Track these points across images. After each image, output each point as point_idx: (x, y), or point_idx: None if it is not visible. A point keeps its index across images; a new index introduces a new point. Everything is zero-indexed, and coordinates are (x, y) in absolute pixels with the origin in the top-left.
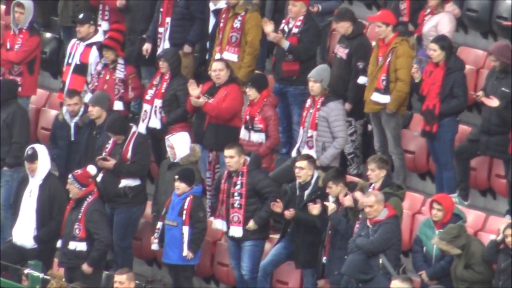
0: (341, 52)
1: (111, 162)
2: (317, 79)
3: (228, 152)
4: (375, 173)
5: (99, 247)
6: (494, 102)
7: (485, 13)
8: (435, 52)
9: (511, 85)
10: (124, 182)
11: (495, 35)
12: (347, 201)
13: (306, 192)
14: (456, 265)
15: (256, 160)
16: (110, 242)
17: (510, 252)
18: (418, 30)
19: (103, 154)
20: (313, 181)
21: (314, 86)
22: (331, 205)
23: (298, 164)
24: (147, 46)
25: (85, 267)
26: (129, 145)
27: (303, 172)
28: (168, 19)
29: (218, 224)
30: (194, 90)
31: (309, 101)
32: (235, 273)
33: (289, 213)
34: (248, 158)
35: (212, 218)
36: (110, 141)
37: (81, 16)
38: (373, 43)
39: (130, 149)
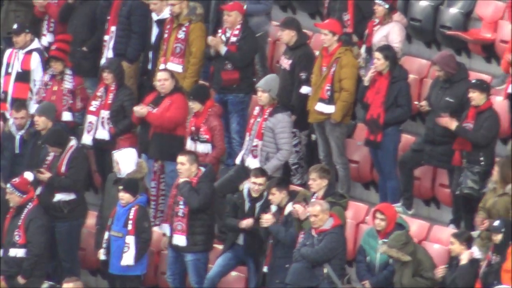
0: (285, 63)
1: (46, 175)
2: (265, 88)
3: (180, 158)
4: (317, 182)
5: (29, 257)
6: (451, 123)
7: (429, 23)
8: (379, 61)
9: (455, 95)
10: (59, 196)
11: (438, 45)
12: (295, 212)
13: (258, 204)
14: (402, 274)
15: (209, 174)
16: (40, 252)
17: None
18: (368, 40)
19: (43, 166)
20: (265, 193)
21: (262, 96)
22: (267, 217)
23: (257, 180)
24: None
25: (19, 278)
26: (64, 159)
27: (261, 188)
28: (113, 28)
29: (164, 228)
30: (139, 108)
31: (257, 109)
32: (169, 283)
33: (247, 223)
34: (203, 169)
35: (156, 228)
36: (52, 154)
37: (15, 26)
38: (317, 53)
39: (65, 163)
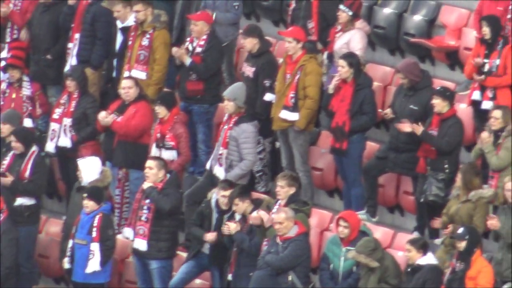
0: (248, 70)
1: (9, 179)
2: (230, 97)
3: (149, 163)
4: (284, 190)
5: (2, 269)
6: (407, 127)
7: (393, 30)
8: (343, 69)
9: (419, 103)
10: (20, 201)
11: (402, 52)
12: (255, 219)
13: (226, 216)
14: (368, 280)
15: (174, 180)
16: (12, 264)
17: None
18: (330, 47)
19: (1, 169)
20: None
21: (228, 105)
22: (232, 225)
23: (226, 193)
24: None
25: None
26: (28, 163)
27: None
28: (77, 35)
29: (127, 232)
30: (104, 117)
31: (226, 116)
32: None
33: (211, 238)
34: (168, 175)
35: (119, 236)
36: (9, 155)
37: None
38: (280, 60)
39: (29, 167)
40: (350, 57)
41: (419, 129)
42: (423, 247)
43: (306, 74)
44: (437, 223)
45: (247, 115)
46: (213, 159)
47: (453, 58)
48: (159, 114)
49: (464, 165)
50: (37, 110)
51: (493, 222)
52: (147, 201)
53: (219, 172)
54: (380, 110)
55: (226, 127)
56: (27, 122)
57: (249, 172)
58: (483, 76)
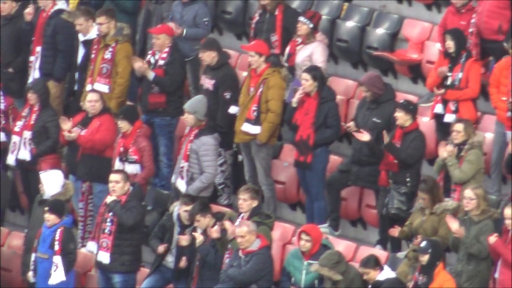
0: (208, 83)
1: None
2: (190, 110)
3: (114, 176)
4: (247, 203)
5: None
6: (365, 136)
7: (355, 43)
8: (307, 82)
9: (382, 116)
10: None
11: (365, 65)
12: (215, 232)
13: (188, 230)
14: None
15: (137, 192)
16: None
17: None
18: (291, 60)
19: None
20: None
21: (188, 118)
22: (199, 237)
23: (188, 208)
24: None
25: None
26: None
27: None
28: (38, 48)
29: (91, 246)
30: (66, 124)
31: (187, 130)
32: None
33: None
34: (131, 188)
35: (83, 249)
36: None
37: None
38: (243, 73)
39: None
40: (313, 70)
41: (384, 138)
42: (376, 263)
43: (268, 87)
44: (395, 231)
45: (207, 127)
46: (175, 173)
47: (416, 72)
48: (122, 128)
49: (430, 179)
50: (10, 123)
51: (460, 231)
52: (110, 214)
53: (181, 185)
54: (343, 123)
55: (187, 140)
56: (1, 136)
57: (211, 184)
58: (442, 90)
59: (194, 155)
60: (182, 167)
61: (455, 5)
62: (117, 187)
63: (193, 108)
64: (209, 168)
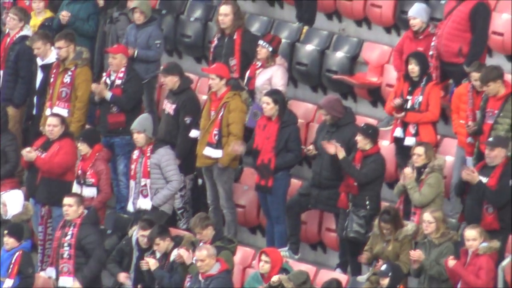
0: (169, 107)
1: None
2: (140, 129)
3: (67, 200)
4: (203, 234)
5: None
6: (332, 148)
7: (315, 67)
8: (268, 106)
9: (342, 139)
10: None
11: (325, 89)
12: (178, 257)
13: (146, 254)
14: None
15: (92, 215)
16: None
17: None
18: (251, 83)
19: None
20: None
21: (138, 137)
22: (151, 261)
23: (146, 233)
24: None
25: None
26: None
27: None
28: (1, 73)
29: (49, 271)
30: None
31: (136, 153)
32: None
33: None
34: (85, 212)
35: (42, 273)
36: None
37: None
38: (203, 97)
39: None
40: (274, 94)
41: (341, 153)
42: (338, 287)
43: (229, 111)
44: (363, 258)
45: (159, 141)
46: (134, 198)
47: (375, 95)
48: (81, 151)
49: (392, 209)
50: None
51: (417, 254)
52: (67, 237)
53: (145, 203)
54: (303, 147)
55: (141, 159)
56: None
57: (173, 198)
58: (403, 113)
59: (156, 170)
60: (144, 185)
61: (413, 30)
62: (70, 210)
63: (143, 126)
64: (175, 176)
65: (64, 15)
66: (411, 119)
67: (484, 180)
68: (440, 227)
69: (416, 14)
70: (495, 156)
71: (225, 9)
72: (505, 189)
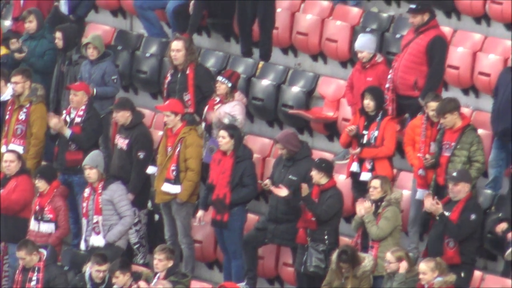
0: (121, 142)
1: None
2: (92, 165)
3: (19, 254)
4: (163, 263)
5: None
6: (283, 191)
7: (271, 102)
8: (224, 140)
9: (298, 173)
10: None
11: (281, 124)
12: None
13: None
14: None
15: (53, 255)
16: None
17: None
18: (207, 119)
19: None
20: (107, 277)
21: (90, 173)
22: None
23: (100, 268)
24: None
25: None
26: None
27: (105, 274)
28: None
29: None
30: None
31: (87, 190)
32: None
33: None
34: (45, 252)
35: None
36: None
37: None
38: (160, 133)
39: None
40: (231, 128)
41: (306, 189)
42: None
43: (186, 146)
44: None
45: (110, 177)
46: (86, 236)
47: (332, 129)
48: (39, 188)
49: (349, 249)
50: None
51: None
52: (33, 283)
53: (97, 241)
54: (259, 181)
55: (93, 197)
56: None
57: (127, 233)
58: (358, 149)
59: (108, 206)
60: (97, 222)
61: (361, 61)
62: (25, 261)
63: (95, 162)
64: (128, 211)
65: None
66: (366, 154)
67: (447, 214)
68: (407, 265)
69: (362, 47)
70: (459, 191)
71: (177, 45)
72: (466, 223)
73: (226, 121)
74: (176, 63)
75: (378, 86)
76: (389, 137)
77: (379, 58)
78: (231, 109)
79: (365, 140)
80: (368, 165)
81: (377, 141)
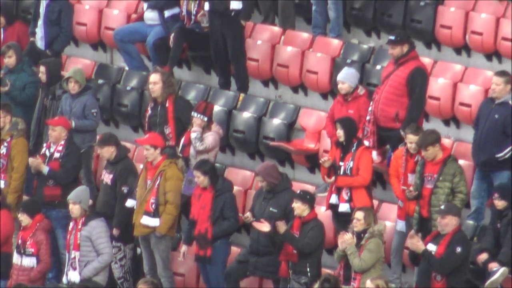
0: (107, 177)
1: None
2: (75, 200)
3: None
4: None
5: None
6: (265, 226)
7: (252, 134)
8: (199, 179)
9: (279, 205)
10: None
11: (262, 156)
12: None
13: None
14: None
15: None
16: None
17: None
18: (185, 151)
19: None
20: None
21: (73, 208)
22: None
23: None
24: None
25: None
26: None
27: None
28: None
29: None
30: None
31: (71, 224)
32: None
33: None
34: None
35: None
36: None
37: None
38: (141, 166)
39: None
40: (202, 165)
41: (282, 227)
42: None
43: (166, 179)
44: None
45: (93, 213)
46: (67, 269)
47: (313, 161)
48: (22, 222)
49: (332, 278)
50: None
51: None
52: None
53: (74, 276)
54: (240, 214)
55: (74, 231)
56: None
57: (107, 269)
58: (333, 178)
59: (86, 243)
60: (74, 258)
61: (341, 94)
62: None
63: (78, 197)
64: (106, 248)
65: (3, 87)
66: (341, 183)
67: (434, 248)
68: None
69: (345, 79)
70: (446, 224)
71: (154, 78)
72: (451, 256)
73: (195, 143)
74: (154, 96)
75: (349, 117)
76: (364, 167)
77: (361, 91)
78: (204, 139)
79: (341, 171)
80: (345, 196)
81: (353, 171)
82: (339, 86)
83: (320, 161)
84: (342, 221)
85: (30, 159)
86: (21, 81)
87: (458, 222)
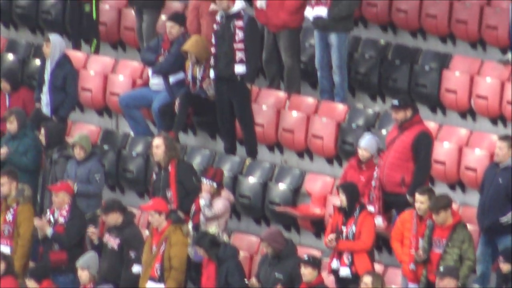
0: (112, 242)
1: None
2: (84, 266)
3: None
4: None
5: None
6: None
7: (258, 199)
8: (200, 253)
9: (284, 271)
10: None
11: (268, 221)
12: None
13: None
14: None
15: None
16: None
17: None
18: (196, 217)
19: None
20: None
21: (82, 274)
22: None
23: None
24: None
25: None
26: None
27: None
28: None
29: None
30: None
31: None
32: None
33: None
34: None
35: None
36: None
37: None
38: (147, 232)
39: None
40: (200, 239)
41: None
42: None
43: (171, 245)
44: None
45: (101, 280)
46: None
47: (319, 226)
48: None
49: None
50: None
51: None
52: None
53: None
54: (245, 280)
55: None
56: None
57: None
58: (334, 243)
59: None
60: None
61: (357, 159)
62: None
63: (86, 263)
64: None
65: (2, 152)
66: (342, 247)
67: None
68: None
69: (367, 146)
70: (445, 286)
71: (156, 142)
72: None
73: (204, 210)
74: (156, 159)
75: (352, 182)
76: (366, 231)
77: (376, 159)
78: (213, 204)
79: (343, 236)
80: (346, 260)
81: (355, 236)
82: (360, 153)
83: (326, 240)
84: (345, 285)
85: (35, 220)
86: (23, 146)
87: (457, 285)
